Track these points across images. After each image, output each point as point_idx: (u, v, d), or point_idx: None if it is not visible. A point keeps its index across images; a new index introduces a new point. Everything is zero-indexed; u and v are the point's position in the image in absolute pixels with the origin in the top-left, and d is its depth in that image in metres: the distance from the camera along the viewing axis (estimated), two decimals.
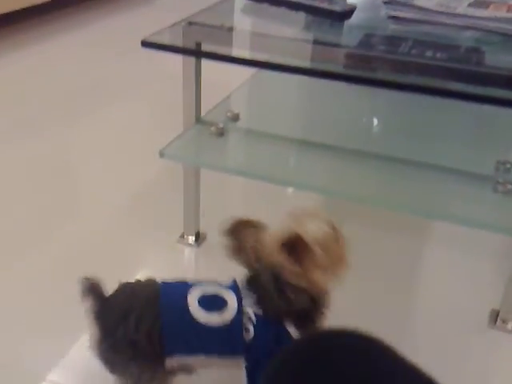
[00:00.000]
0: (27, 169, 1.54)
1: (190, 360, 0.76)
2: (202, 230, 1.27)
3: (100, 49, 2.39)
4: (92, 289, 0.76)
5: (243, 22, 1.18)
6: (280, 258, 0.71)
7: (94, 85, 2.07)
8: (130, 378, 0.78)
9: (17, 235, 1.28)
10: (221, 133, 1.16)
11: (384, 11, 1.09)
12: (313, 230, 0.71)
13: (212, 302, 0.74)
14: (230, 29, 1.07)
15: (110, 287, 0.79)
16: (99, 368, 0.80)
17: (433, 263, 1.27)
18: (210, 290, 0.76)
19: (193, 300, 0.74)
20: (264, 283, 0.73)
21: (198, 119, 1.16)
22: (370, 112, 1.44)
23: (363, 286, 1.11)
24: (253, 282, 0.76)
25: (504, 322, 1.08)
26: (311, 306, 0.74)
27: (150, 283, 0.80)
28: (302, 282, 0.72)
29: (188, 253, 1.26)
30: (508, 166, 1.09)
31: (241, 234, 0.76)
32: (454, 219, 1.01)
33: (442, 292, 1.16)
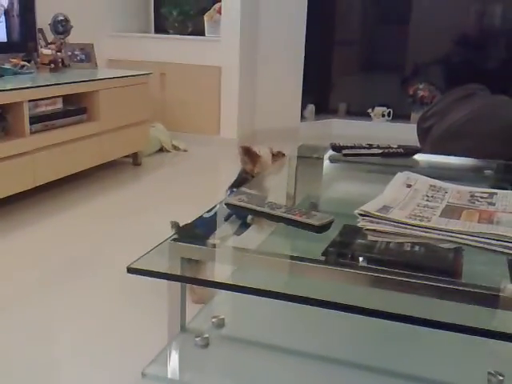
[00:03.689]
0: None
1: None
2: None
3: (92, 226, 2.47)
4: None
5: (225, 233, 1.21)
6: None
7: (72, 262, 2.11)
8: None
9: None
10: (206, 343, 1.14)
11: (361, 223, 1.13)
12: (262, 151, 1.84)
13: None
14: (214, 245, 1.10)
15: None
16: None
17: None
18: None
19: None
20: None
21: (183, 328, 1.15)
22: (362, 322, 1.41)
23: None
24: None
25: None
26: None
27: None
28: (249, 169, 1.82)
29: None
30: (500, 378, 1.06)
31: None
32: None
33: None
